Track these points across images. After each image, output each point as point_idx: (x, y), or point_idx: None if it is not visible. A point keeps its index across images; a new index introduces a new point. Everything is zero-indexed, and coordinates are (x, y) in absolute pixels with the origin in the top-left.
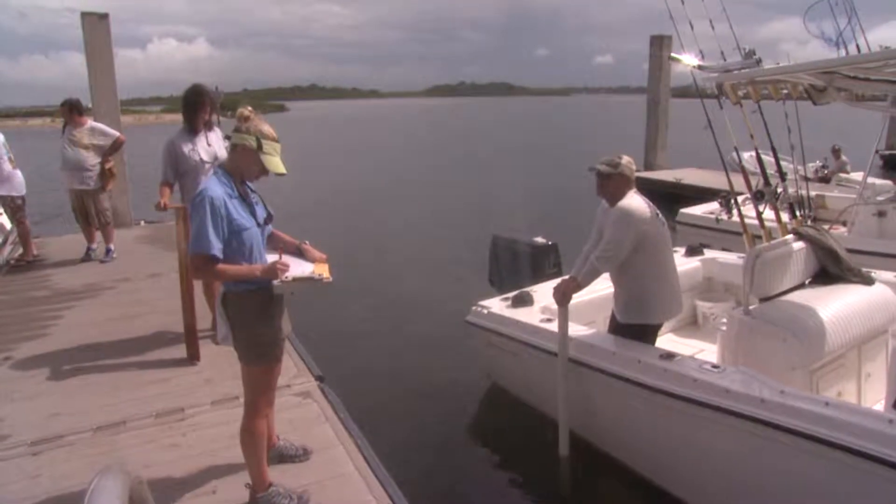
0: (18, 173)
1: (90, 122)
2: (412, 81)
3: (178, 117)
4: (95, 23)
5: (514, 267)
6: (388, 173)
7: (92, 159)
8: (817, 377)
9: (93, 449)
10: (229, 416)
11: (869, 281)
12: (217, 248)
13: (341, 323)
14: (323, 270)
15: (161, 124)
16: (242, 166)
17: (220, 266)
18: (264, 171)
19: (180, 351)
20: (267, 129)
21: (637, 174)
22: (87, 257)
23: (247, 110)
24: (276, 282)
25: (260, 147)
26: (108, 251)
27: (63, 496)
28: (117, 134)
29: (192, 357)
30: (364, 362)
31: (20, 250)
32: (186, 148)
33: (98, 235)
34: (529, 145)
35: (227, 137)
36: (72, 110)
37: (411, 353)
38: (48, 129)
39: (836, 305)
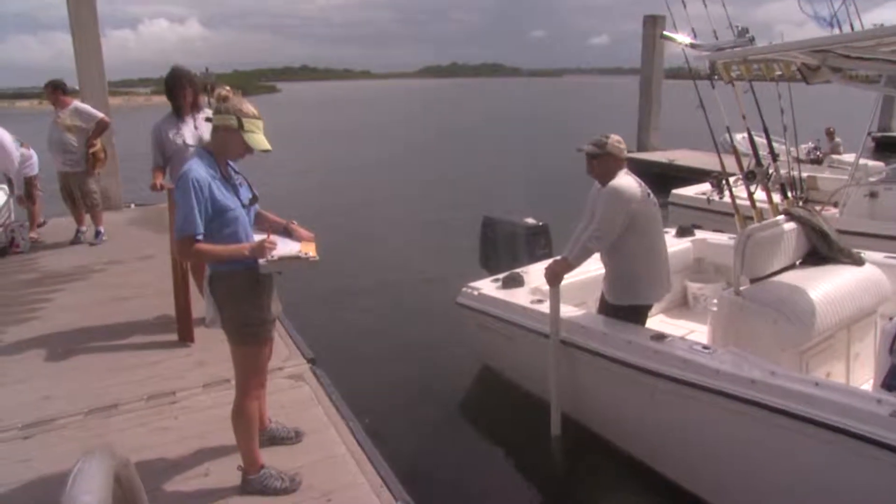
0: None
1: (74, 103)
2: (404, 62)
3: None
4: (80, 1)
5: (505, 248)
6: (379, 155)
7: (75, 141)
8: (807, 357)
9: (84, 432)
10: (221, 398)
11: (859, 262)
12: (203, 229)
13: (333, 306)
14: (310, 249)
15: (150, 106)
16: (226, 147)
17: (206, 246)
18: (248, 149)
19: (172, 333)
20: (247, 107)
21: (630, 155)
22: (76, 240)
23: (224, 90)
24: (262, 261)
25: (241, 126)
26: (97, 234)
27: (55, 480)
28: (100, 115)
29: (185, 339)
30: (356, 344)
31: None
32: (171, 132)
33: (88, 218)
34: (521, 126)
35: (207, 120)
36: (55, 90)
37: (403, 335)
38: (36, 111)
39: (826, 286)
